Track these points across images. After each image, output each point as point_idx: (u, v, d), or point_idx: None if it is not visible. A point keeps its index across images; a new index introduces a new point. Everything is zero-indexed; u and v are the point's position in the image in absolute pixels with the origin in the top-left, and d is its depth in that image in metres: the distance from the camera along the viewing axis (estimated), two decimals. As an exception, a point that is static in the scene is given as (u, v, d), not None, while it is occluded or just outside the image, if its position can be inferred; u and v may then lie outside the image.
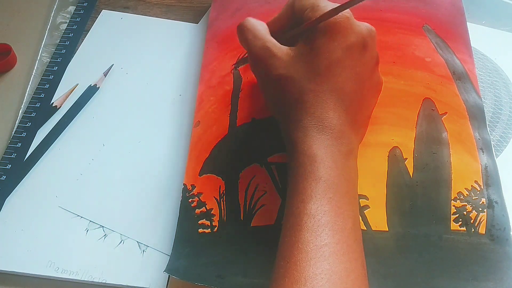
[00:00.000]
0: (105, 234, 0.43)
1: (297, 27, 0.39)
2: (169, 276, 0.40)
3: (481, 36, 0.53)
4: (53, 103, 0.51)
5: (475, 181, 0.42)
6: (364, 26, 0.38)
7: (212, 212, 0.42)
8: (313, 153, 0.35)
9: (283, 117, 0.38)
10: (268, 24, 0.40)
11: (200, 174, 0.44)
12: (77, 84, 0.52)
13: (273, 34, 0.39)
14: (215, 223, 0.41)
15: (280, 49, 0.38)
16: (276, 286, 0.31)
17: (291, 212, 0.34)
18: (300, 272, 0.30)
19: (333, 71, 0.36)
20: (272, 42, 0.38)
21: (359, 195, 0.41)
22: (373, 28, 0.38)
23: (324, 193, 0.33)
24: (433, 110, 0.45)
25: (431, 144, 0.43)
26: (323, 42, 0.36)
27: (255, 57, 0.38)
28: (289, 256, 0.32)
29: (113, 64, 0.54)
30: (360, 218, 0.40)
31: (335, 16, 0.36)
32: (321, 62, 0.36)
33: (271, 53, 0.37)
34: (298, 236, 0.32)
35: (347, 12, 0.36)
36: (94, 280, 0.41)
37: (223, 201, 0.42)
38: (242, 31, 0.39)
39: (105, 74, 0.53)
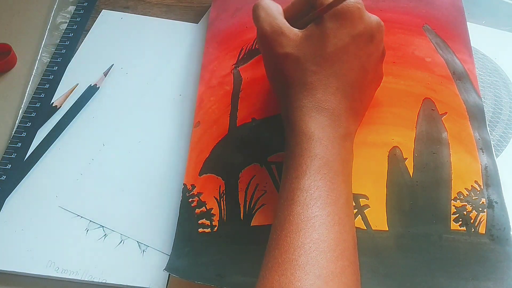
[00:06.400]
0: (105, 234, 0.43)
1: (310, 13, 0.39)
2: (169, 276, 0.40)
3: (481, 36, 0.53)
4: (53, 103, 0.51)
5: (475, 181, 0.42)
6: (374, 18, 0.39)
7: (212, 212, 0.42)
8: (310, 132, 0.36)
9: (284, 96, 0.39)
10: (283, 11, 0.41)
11: (200, 174, 0.44)
12: (77, 84, 0.53)
13: (288, 20, 0.40)
14: (215, 222, 0.41)
15: (290, 29, 0.38)
16: (268, 257, 0.32)
17: (285, 188, 0.35)
18: (290, 243, 0.31)
19: (339, 57, 0.37)
20: (283, 21, 0.39)
21: (359, 194, 0.41)
22: (382, 23, 0.39)
23: (318, 169, 0.34)
24: (433, 110, 0.45)
25: (431, 144, 0.43)
26: (332, 27, 0.37)
27: (264, 34, 0.39)
28: (280, 229, 0.33)
29: (113, 64, 0.54)
30: (360, 217, 0.40)
31: (348, 4, 0.37)
32: (328, 46, 0.37)
33: (281, 31, 0.38)
34: (290, 210, 0.33)
35: (359, 2, 0.37)
36: (94, 280, 0.41)
37: (223, 200, 0.42)
38: (257, 9, 0.40)
39: (105, 74, 0.53)
